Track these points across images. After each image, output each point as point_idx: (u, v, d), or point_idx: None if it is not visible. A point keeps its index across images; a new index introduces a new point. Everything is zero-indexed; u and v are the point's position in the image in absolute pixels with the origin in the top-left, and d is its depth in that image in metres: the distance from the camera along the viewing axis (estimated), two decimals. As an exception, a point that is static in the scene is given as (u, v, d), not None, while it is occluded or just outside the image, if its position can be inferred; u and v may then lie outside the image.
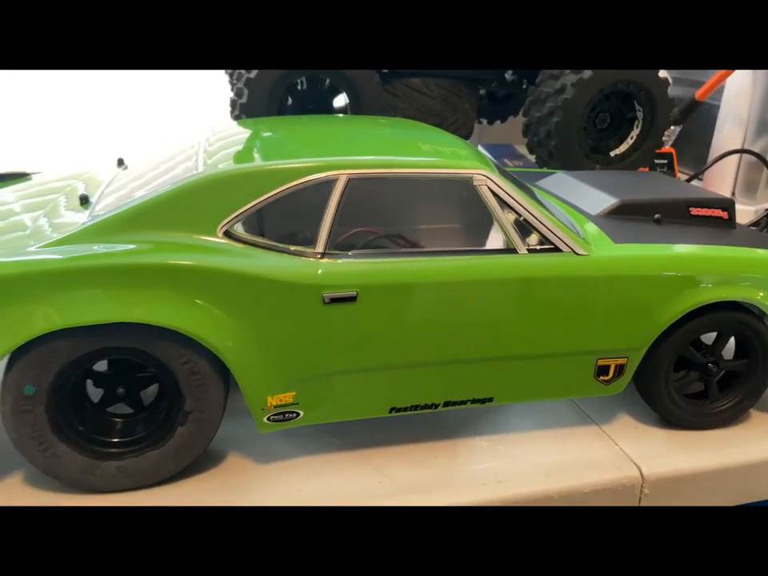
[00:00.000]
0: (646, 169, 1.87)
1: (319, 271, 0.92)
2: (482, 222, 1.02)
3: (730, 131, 2.05)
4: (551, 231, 1.00)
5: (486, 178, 0.98)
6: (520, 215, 0.99)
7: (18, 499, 0.91)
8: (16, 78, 2.12)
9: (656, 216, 1.17)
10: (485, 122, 2.35)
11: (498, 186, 0.99)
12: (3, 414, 0.87)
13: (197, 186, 0.93)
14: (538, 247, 1.00)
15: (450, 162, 0.99)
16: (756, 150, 1.96)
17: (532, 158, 1.92)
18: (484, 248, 1.01)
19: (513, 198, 0.99)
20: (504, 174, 1.05)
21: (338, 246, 0.94)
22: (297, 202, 0.95)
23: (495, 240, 1.00)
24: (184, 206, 0.92)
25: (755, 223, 1.62)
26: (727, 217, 1.22)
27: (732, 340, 1.13)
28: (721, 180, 2.07)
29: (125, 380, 0.96)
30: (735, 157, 2.05)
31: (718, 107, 2.10)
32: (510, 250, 0.99)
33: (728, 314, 1.08)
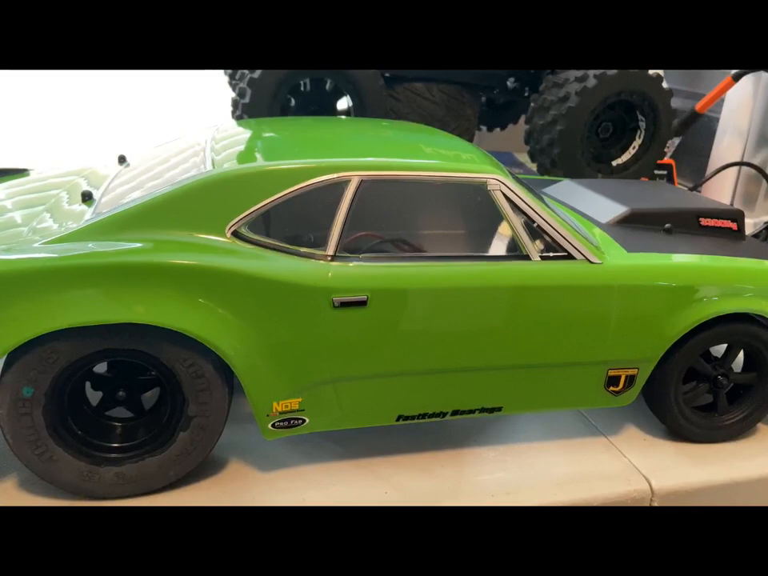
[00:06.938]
0: (646, 179, 1.87)
1: (329, 274, 0.89)
2: (494, 227, 1.00)
3: (729, 143, 2.06)
4: (565, 238, 0.98)
5: (501, 183, 0.97)
6: (534, 221, 0.97)
7: (15, 502, 0.87)
8: (16, 76, 2.08)
9: (666, 225, 1.16)
10: (484, 129, 2.34)
11: (512, 192, 0.97)
12: (0, 416, 0.83)
13: (206, 185, 0.90)
14: (551, 254, 0.98)
15: (464, 165, 0.97)
16: (756, 162, 1.97)
17: (532, 166, 1.91)
18: (497, 254, 0.99)
19: (527, 204, 0.97)
20: (517, 179, 1.04)
21: (349, 248, 0.92)
22: (307, 203, 0.92)
23: (508, 246, 0.99)
24: (192, 204, 0.89)
25: (755, 236, 1.62)
26: (736, 228, 1.21)
27: (741, 353, 1.12)
28: (719, 192, 2.08)
29: (125, 383, 0.93)
30: (734, 169, 2.05)
31: (717, 120, 2.10)
32: (523, 256, 0.97)
33: (739, 326, 1.07)
